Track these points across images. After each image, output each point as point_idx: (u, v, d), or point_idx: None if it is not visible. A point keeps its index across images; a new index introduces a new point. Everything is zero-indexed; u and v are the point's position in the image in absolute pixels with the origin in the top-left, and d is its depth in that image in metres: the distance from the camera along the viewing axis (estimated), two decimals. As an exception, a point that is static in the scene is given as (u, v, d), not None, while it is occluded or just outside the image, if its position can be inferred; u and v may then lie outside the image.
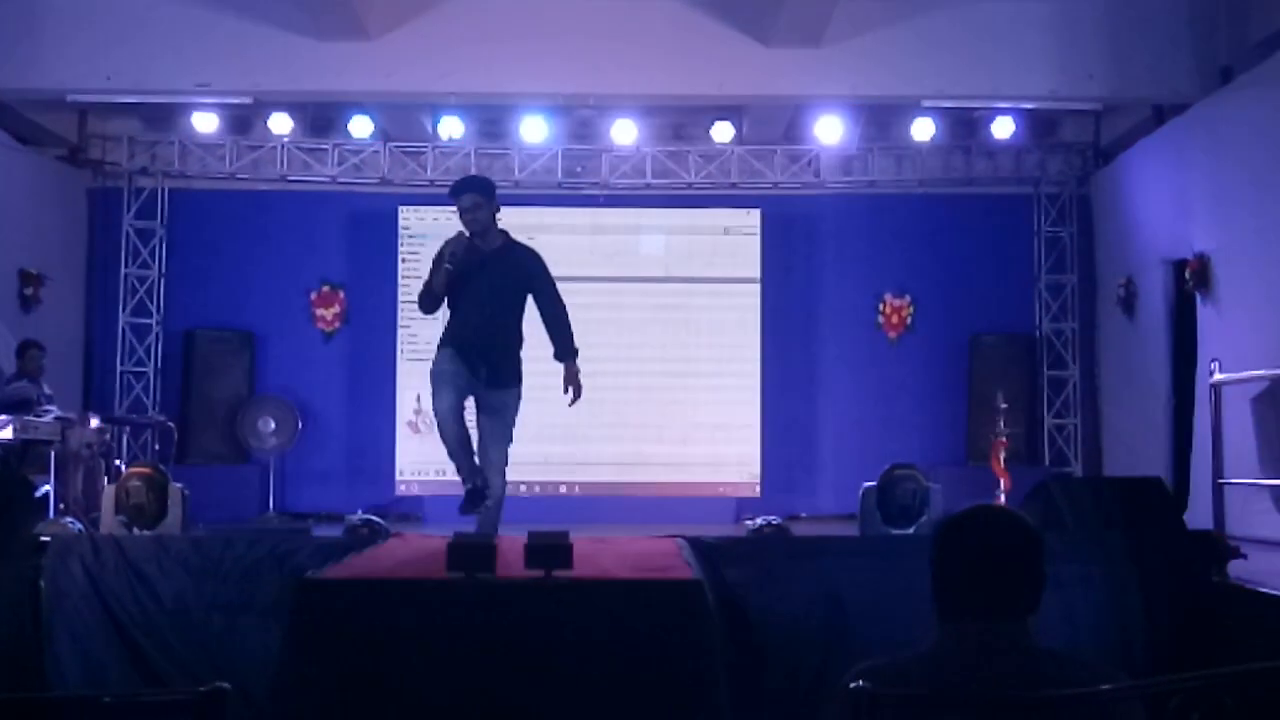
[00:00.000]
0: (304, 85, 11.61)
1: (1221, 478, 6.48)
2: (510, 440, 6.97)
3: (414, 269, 13.07)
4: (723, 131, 13.01)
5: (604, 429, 12.51)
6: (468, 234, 6.88)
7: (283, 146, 13.26)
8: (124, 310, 13.22)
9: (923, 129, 12.80)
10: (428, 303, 7.01)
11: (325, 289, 13.52)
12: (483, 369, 6.81)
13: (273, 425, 12.81)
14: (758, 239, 13.12)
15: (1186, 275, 10.80)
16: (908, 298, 13.50)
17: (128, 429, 12.40)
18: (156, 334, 13.29)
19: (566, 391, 6.87)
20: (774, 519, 9.60)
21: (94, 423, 9.85)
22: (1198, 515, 7.89)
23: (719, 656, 5.13)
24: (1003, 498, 9.87)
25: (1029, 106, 12.42)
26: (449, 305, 6.98)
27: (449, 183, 7.14)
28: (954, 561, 2.73)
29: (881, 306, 13.51)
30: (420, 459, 12.87)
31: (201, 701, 2.54)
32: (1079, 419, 13.28)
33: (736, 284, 13.07)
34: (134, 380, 13.19)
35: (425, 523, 11.99)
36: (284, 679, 5.03)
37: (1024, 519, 2.79)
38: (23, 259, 11.86)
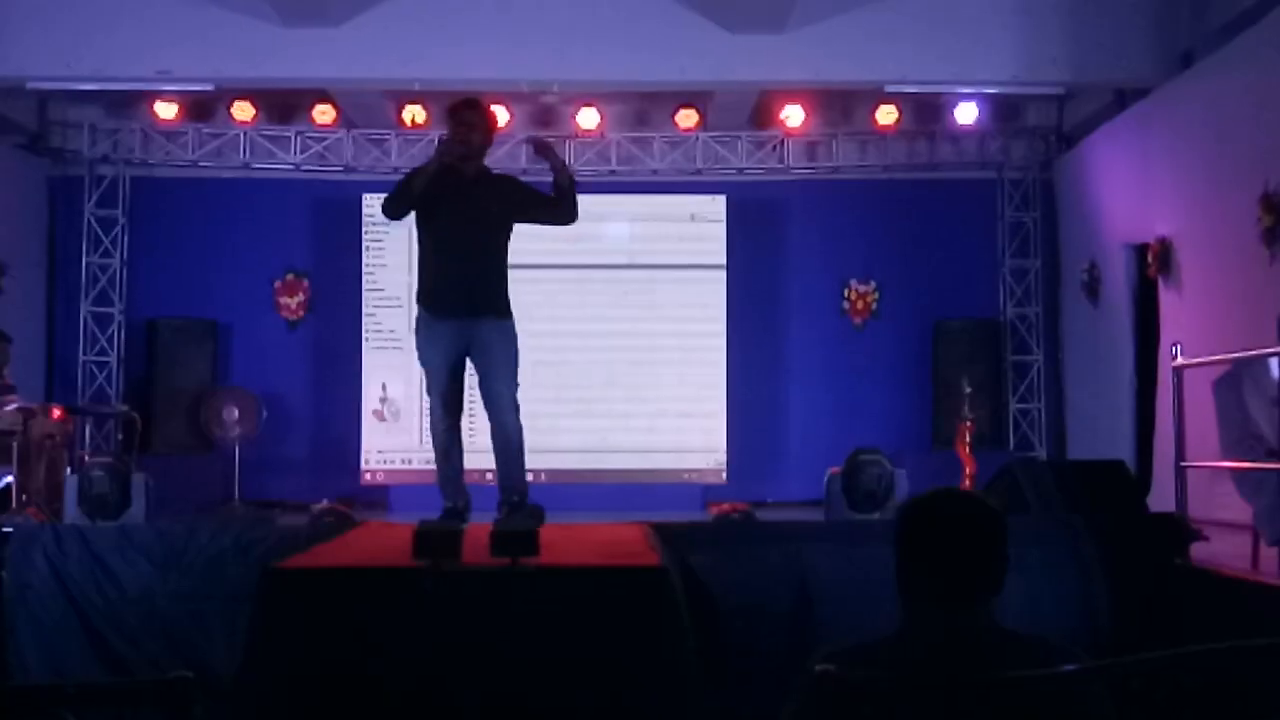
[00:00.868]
0: (266, 72, 11.52)
1: (1183, 461, 6.52)
2: (516, 378, 6.33)
3: (378, 257, 13.06)
4: (687, 118, 12.99)
5: (570, 417, 12.51)
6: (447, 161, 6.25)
7: (245, 134, 13.16)
8: (86, 299, 13.11)
9: (886, 114, 12.82)
10: (396, 205, 6.32)
11: (289, 277, 13.46)
12: (467, 304, 6.26)
13: (237, 414, 12.74)
14: (723, 225, 13.11)
15: (1149, 259, 10.87)
16: (873, 284, 13.54)
17: (90, 419, 12.33)
18: (119, 323, 13.20)
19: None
20: (740, 505, 9.66)
21: (56, 413, 9.78)
22: (1160, 498, 7.95)
23: (688, 642, 5.15)
24: (968, 482, 9.92)
25: (992, 91, 12.44)
26: (424, 236, 6.44)
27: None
28: (917, 545, 2.74)
29: (847, 292, 13.55)
30: (386, 447, 12.85)
31: (165, 690, 2.53)
32: (1043, 403, 13.35)
33: (702, 270, 13.07)
34: (96, 370, 13.09)
35: (391, 511, 11.97)
36: (249, 668, 5.01)
37: (986, 502, 2.80)
38: (-18, 248, 11.78)
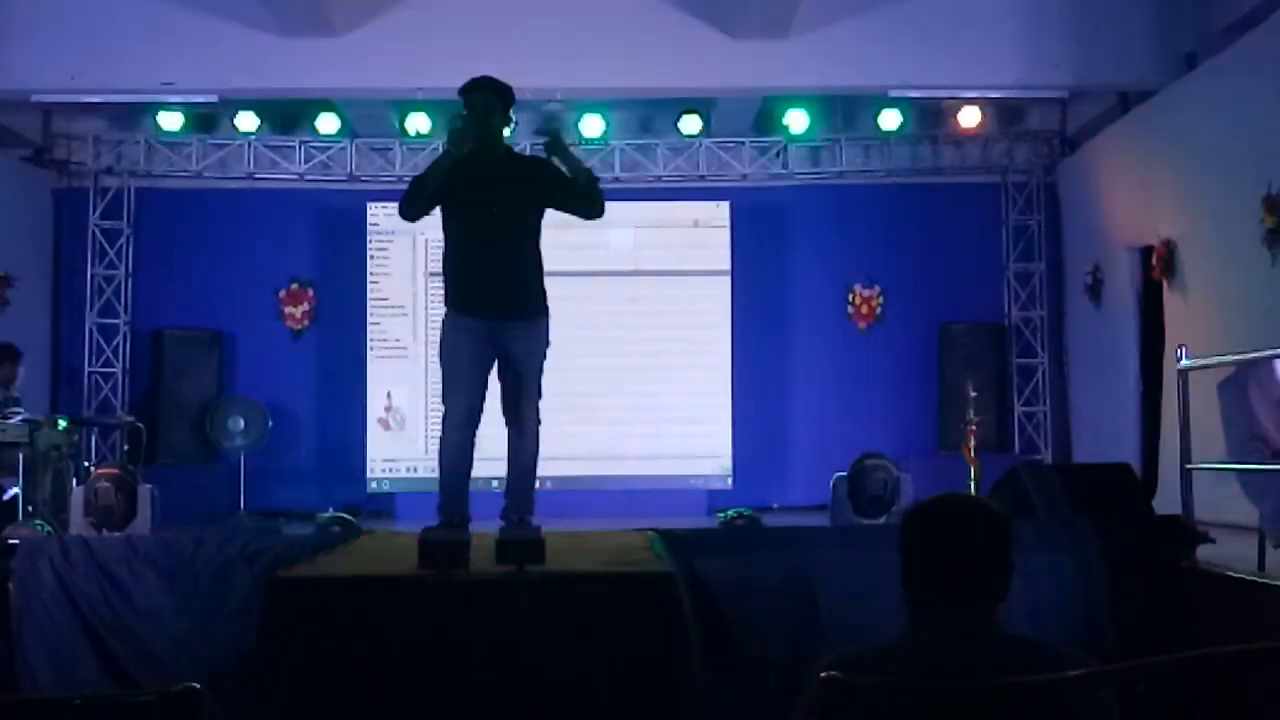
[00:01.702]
0: (270, 83, 11.55)
1: (1189, 463, 6.51)
2: (541, 394, 5.89)
3: (383, 265, 13.07)
4: (690, 124, 13.00)
5: (576, 424, 12.49)
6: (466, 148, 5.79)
7: (249, 144, 13.19)
8: (91, 311, 13.12)
9: (890, 119, 12.83)
10: (413, 204, 5.85)
11: (294, 286, 13.46)
12: (498, 303, 5.75)
13: (242, 424, 12.76)
14: (727, 231, 13.12)
15: (1153, 262, 10.86)
16: (877, 288, 13.53)
17: (96, 430, 12.31)
18: (124, 334, 13.21)
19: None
20: (745, 510, 9.65)
21: (62, 424, 9.78)
22: (1166, 500, 7.93)
23: (694, 649, 5.15)
24: (973, 486, 9.91)
25: (995, 95, 12.45)
26: (449, 230, 5.90)
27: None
28: (921, 550, 2.74)
29: (851, 297, 13.53)
30: (391, 456, 12.86)
31: (173, 702, 2.53)
32: (1048, 406, 13.33)
33: (706, 276, 13.07)
34: (102, 381, 13.10)
35: (397, 519, 11.95)
36: (256, 678, 5.01)
37: (991, 506, 2.80)
38: (-12, 261, 11.80)
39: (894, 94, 12.14)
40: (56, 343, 13.21)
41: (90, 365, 13.10)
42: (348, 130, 13.26)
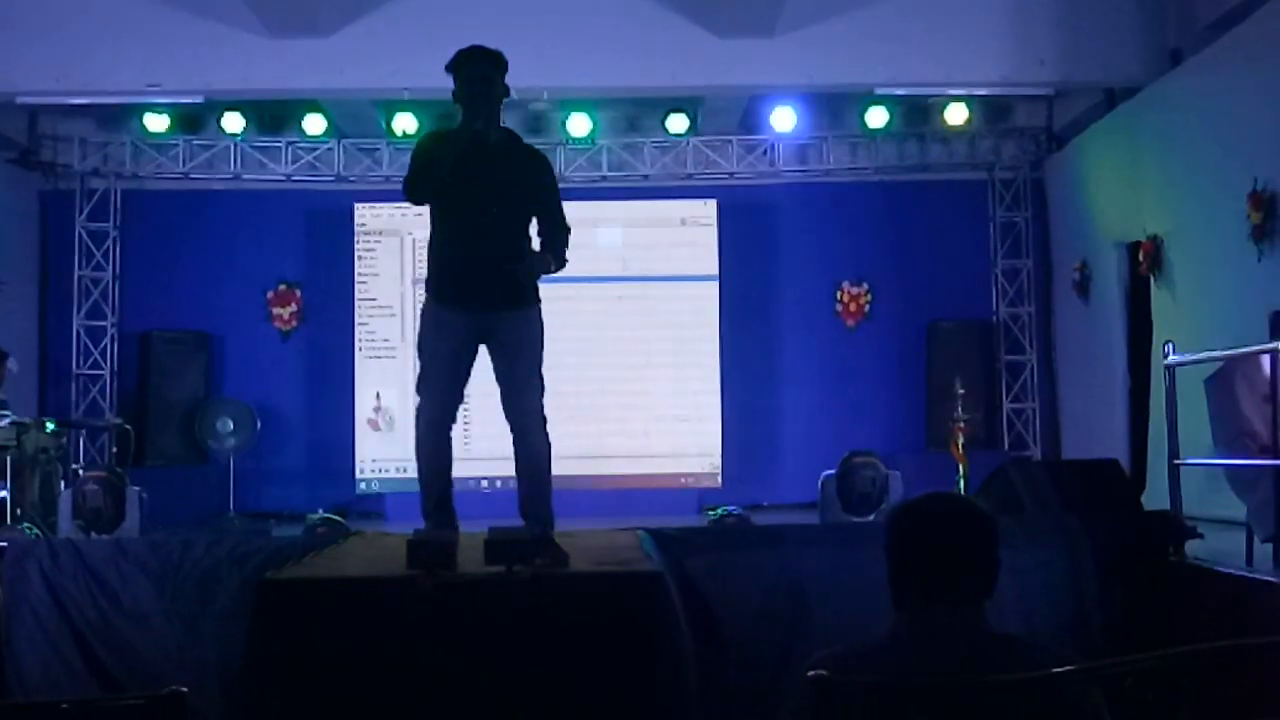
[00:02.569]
0: (256, 83, 11.54)
1: (1177, 459, 6.53)
2: (543, 385, 5.52)
3: (370, 266, 13.06)
4: (678, 123, 12.99)
5: (565, 422, 12.39)
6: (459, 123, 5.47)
7: (236, 145, 13.18)
8: (78, 313, 13.08)
9: (877, 117, 12.83)
10: (415, 185, 5.54)
11: (282, 288, 13.44)
12: (483, 294, 5.39)
13: (231, 426, 12.74)
14: (714, 230, 13.13)
15: (1140, 258, 10.88)
16: (865, 285, 13.54)
17: (84, 432, 12.33)
18: (112, 336, 13.18)
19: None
20: (735, 508, 9.66)
21: (50, 426, 9.77)
22: (1154, 496, 7.95)
23: (685, 648, 5.15)
24: (962, 483, 9.92)
25: (982, 92, 12.48)
26: (434, 213, 5.56)
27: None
28: (907, 549, 2.75)
29: (839, 294, 13.55)
30: (380, 456, 12.85)
31: (160, 706, 2.53)
32: (1037, 403, 13.35)
33: (694, 275, 13.08)
34: (90, 383, 13.07)
35: (387, 520, 11.94)
36: (245, 681, 5.01)
37: (976, 505, 2.82)
38: (-26, 264, 11.77)
39: (880, 91, 12.15)
40: (44, 345, 13.18)
41: (78, 367, 13.07)
42: (334, 131, 13.24)
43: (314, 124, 12.99)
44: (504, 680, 4.77)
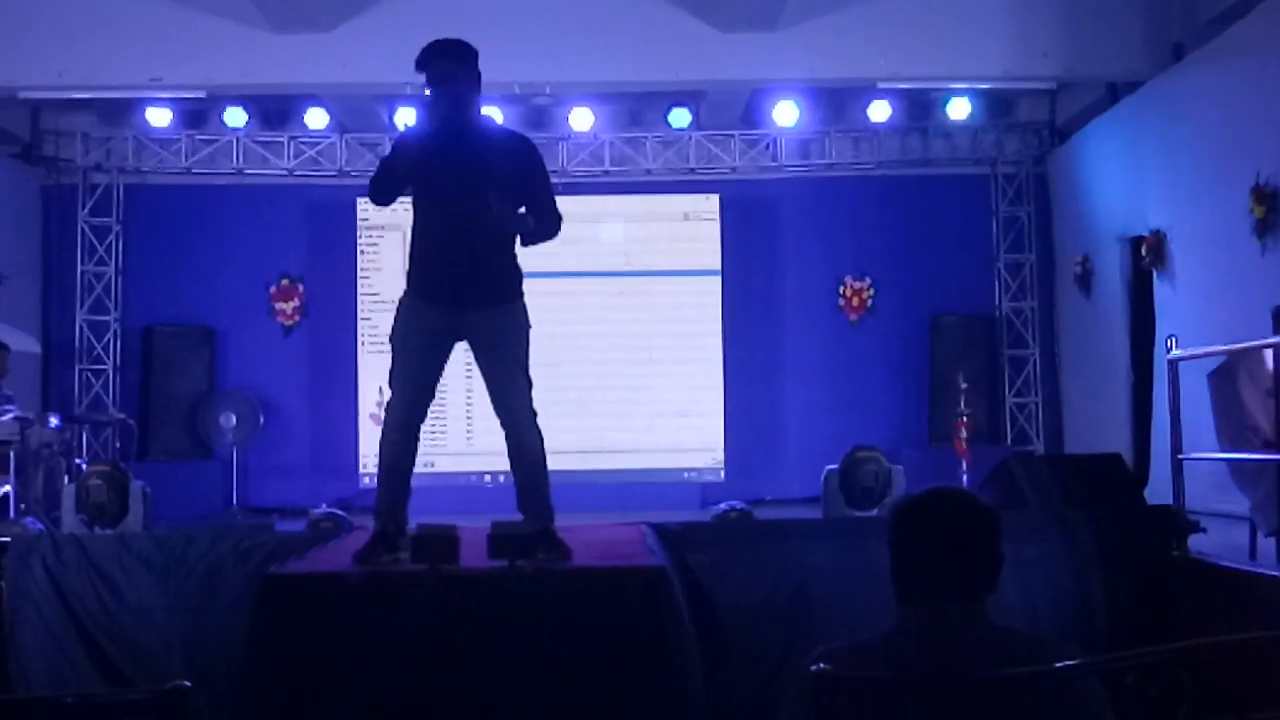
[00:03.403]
0: (258, 78, 11.53)
1: (1180, 453, 6.52)
2: (530, 381, 5.43)
3: (373, 260, 13.06)
4: (680, 117, 12.98)
5: (567, 417, 12.47)
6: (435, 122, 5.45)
7: (238, 140, 13.18)
8: (81, 308, 13.10)
9: (879, 111, 12.83)
10: (380, 186, 5.54)
11: (284, 282, 13.44)
12: (460, 291, 5.35)
13: (234, 420, 12.75)
14: (717, 224, 13.13)
15: (1142, 252, 10.87)
16: (868, 280, 13.53)
17: (87, 427, 12.31)
18: (115, 331, 13.18)
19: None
20: (738, 503, 9.65)
21: (53, 421, 9.79)
22: (1157, 490, 7.94)
23: (687, 642, 5.15)
24: (965, 478, 9.92)
25: (985, 86, 12.47)
26: (415, 209, 5.50)
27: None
28: (910, 544, 2.75)
29: (842, 289, 13.54)
30: (384, 451, 12.82)
31: (164, 700, 2.53)
32: (1040, 397, 13.35)
33: (696, 269, 13.08)
34: (93, 378, 13.08)
35: (390, 515, 11.92)
36: (249, 676, 5.01)
37: (979, 499, 2.81)
38: (-23, 259, 11.77)
39: (883, 85, 12.15)
40: (47, 340, 13.19)
41: (81, 363, 13.08)
42: (336, 125, 13.23)
43: (316, 118, 12.98)
44: (507, 674, 4.78)
